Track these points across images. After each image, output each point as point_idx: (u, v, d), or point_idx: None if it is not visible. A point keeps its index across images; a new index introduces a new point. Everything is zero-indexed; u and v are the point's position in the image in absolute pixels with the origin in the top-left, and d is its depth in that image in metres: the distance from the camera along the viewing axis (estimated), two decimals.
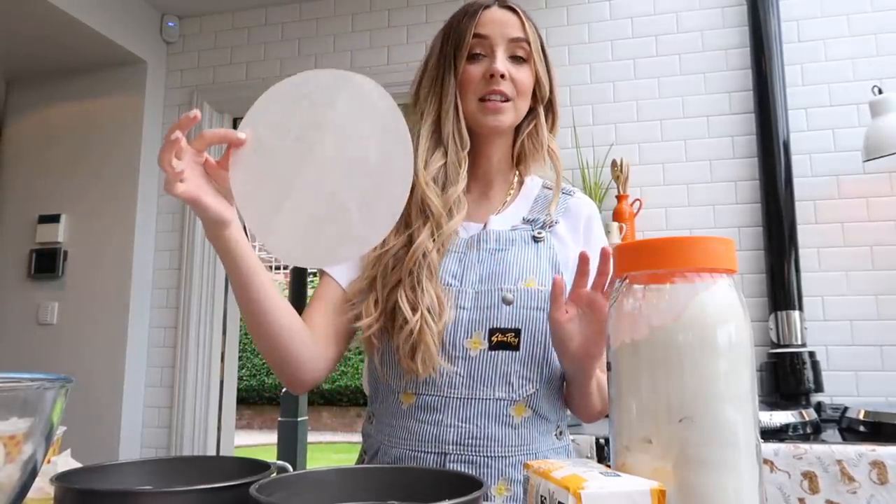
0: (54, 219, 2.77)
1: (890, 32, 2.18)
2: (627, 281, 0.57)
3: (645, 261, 0.56)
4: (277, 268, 14.26)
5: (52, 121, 2.91)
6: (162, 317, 2.75)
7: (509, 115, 0.94)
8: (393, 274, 0.90)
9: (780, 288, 2.08)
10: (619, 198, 2.26)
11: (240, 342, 3.14)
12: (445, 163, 0.93)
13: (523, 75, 0.94)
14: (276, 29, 2.84)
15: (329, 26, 2.77)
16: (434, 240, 0.90)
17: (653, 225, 2.27)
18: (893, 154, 1.95)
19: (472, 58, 0.94)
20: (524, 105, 0.96)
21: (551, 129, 1.00)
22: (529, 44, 0.95)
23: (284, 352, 0.88)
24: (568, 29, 2.48)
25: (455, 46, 0.95)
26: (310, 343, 0.90)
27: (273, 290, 0.85)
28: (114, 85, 2.84)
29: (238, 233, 0.79)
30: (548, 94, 0.98)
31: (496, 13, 0.95)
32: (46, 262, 2.75)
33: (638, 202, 2.28)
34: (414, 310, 0.86)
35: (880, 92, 2.02)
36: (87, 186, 2.79)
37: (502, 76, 0.92)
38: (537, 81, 0.97)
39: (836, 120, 2.18)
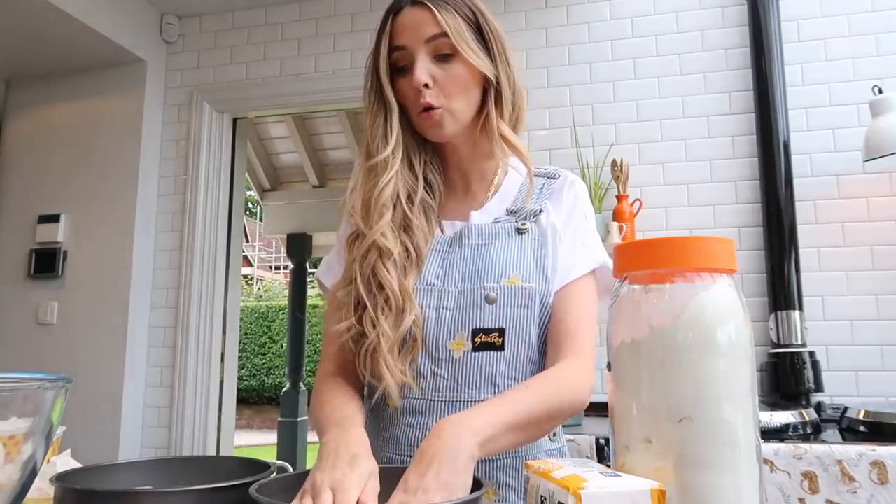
0: (54, 219, 2.77)
1: (890, 32, 2.18)
2: (627, 281, 0.57)
3: (645, 261, 0.56)
4: (277, 267, 14.25)
5: (52, 121, 2.91)
6: (162, 317, 2.75)
7: (447, 124, 0.88)
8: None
9: (780, 288, 2.08)
10: (619, 198, 2.26)
11: (240, 342, 3.13)
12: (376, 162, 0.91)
13: (452, 74, 0.87)
14: (276, 29, 2.84)
15: (329, 26, 2.77)
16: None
17: (653, 225, 2.27)
18: (894, 154, 1.95)
19: (401, 71, 0.89)
20: (461, 104, 0.89)
21: (502, 113, 0.91)
22: (450, 35, 0.86)
23: None
24: (568, 29, 2.48)
25: (378, 62, 0.90)
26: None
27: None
28: (114, 85, 2.84)
29: None
30: (493, 78, 0.90)
31: (407, 16, 0.88)
32: (46, 262, 2.74)
33: (638, 202, 2.28)
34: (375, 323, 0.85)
35: (880, 92, 2.02)
36: (87, 186, 2.79)
37: (425, 86, 0.86)
38: (480, 69, 0.88)
39: (836, 120, 2.18)
